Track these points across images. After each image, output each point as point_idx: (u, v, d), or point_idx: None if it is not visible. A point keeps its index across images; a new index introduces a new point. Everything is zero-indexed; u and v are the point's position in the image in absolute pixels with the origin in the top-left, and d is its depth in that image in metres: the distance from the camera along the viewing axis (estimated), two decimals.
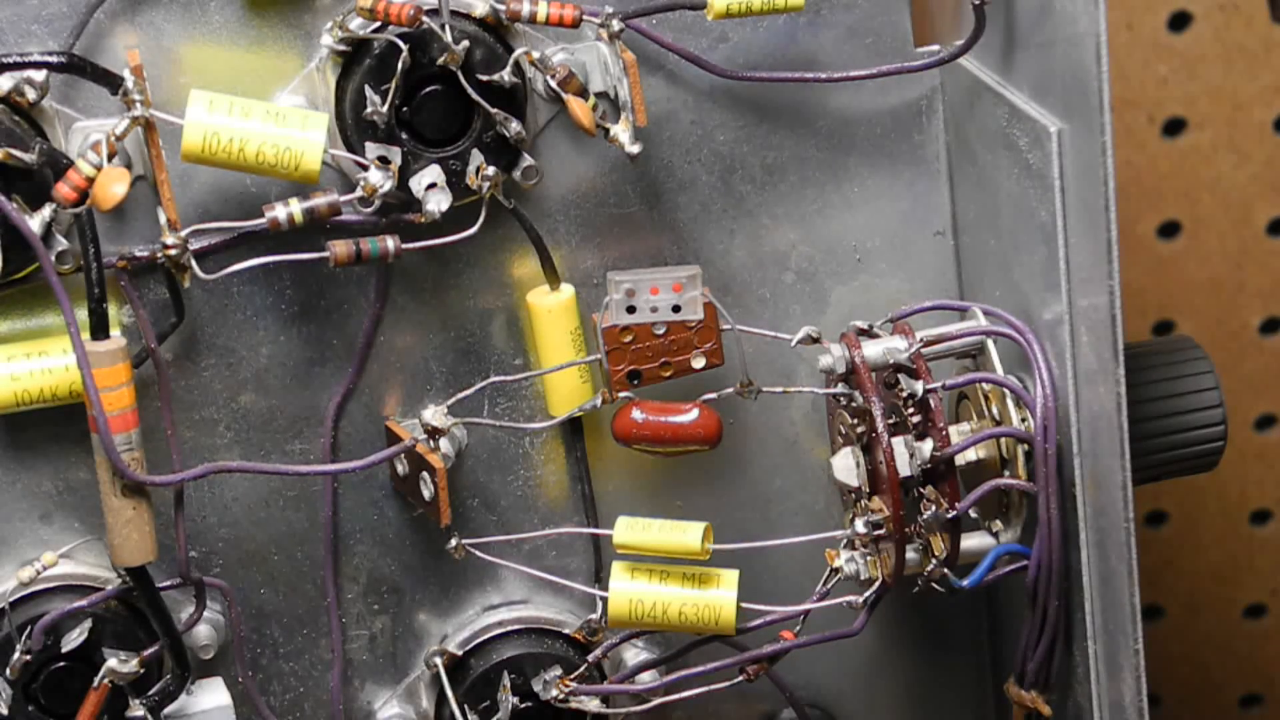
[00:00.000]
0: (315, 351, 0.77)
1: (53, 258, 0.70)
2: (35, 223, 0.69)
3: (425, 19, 0.70)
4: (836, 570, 0.75)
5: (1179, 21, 1.08)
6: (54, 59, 0.69)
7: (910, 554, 0.74)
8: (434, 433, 0.74)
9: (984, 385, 0.74)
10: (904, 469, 0.71)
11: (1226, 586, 1.20)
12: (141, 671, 0.74)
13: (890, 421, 0.72)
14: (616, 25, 0.72)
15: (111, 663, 0.74)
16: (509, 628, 0.80)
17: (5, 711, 0.74)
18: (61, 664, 0.75)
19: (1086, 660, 0.73)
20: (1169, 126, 1.10)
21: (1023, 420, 0.73)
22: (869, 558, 0.75)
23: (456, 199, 0.73)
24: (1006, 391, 0.73)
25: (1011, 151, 0.72)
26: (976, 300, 0.77)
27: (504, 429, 0.78)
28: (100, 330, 0.70)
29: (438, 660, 0.79)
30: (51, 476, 0.76)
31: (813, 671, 0.84)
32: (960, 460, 0.73)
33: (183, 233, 0.71)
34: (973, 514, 0.73)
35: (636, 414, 0.75)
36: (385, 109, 0.71)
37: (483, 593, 0.81)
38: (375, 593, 0.80)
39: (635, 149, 0.73)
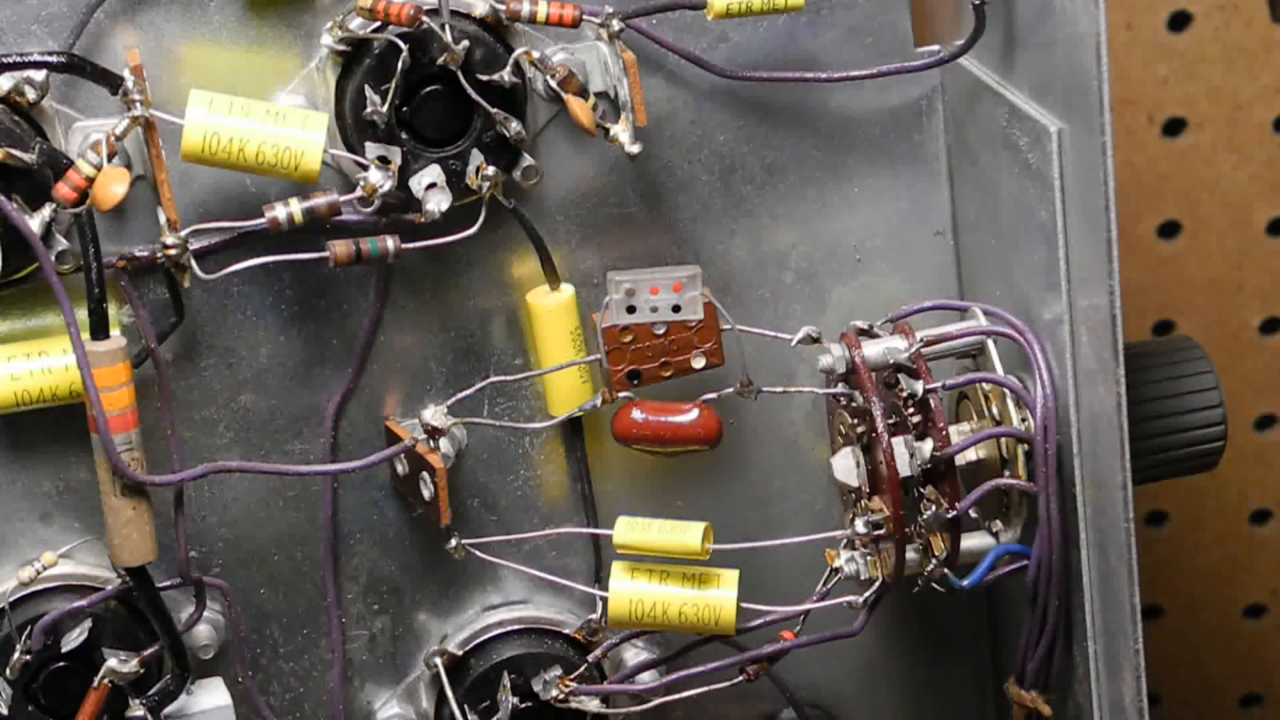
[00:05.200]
0: (315, 351, 0.77)
1: (53, 258, 0.70)
2: (35, 223, 0.69)
3: (425, 19, 0.70)
4: (836, 570, 0.75)
5: (1179, 21, 1.08)
6: (54, 59, 0.69)
7: (910, 554, 0.74)
8: (434, 433, 0.74)
9: (984, 385, 0.74)
10: (904, 469, 0.71)
11: (1226, 586, 1.20)
12: (141, 671, 0.74)
13: (890, 421, 0.72)
14: (616, 25, 0.72)
15: (111, 663, 0.74)
16: (509, 628, 0.80)
17: (5, 711, 0.74)
18: (61, 664, 0.75)
19: (1086, 660, 0.73)
20: (1169, 126, 1.10)
21: (1023, 420, 0.73)
22: (869, 558, 0.75)
23: (456, 199, 0.73)
24: (1006, 391, 0.73)
25: (1011, 151, 0.72)
26: (976, 300, 0.77)
27: (504, 429, 0.78)
28: (100, 330, 0.70)
29: (438, 660, 0.79)
30: (51, 476, 0.76)
31: (813, 671, 0.84)
32: (960, 460, 0.73)
33: (183, 233, 0.71)
34: (973, 514, 0.73)
35: (636, 414, 0.75)
36: (385, 109, 0.71)
37: (483, 593, 0.81)
38: (375, 593, 0.80)
39: (635, 149, 0.73)
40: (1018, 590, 0.75)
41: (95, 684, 0.74)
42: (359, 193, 0.71)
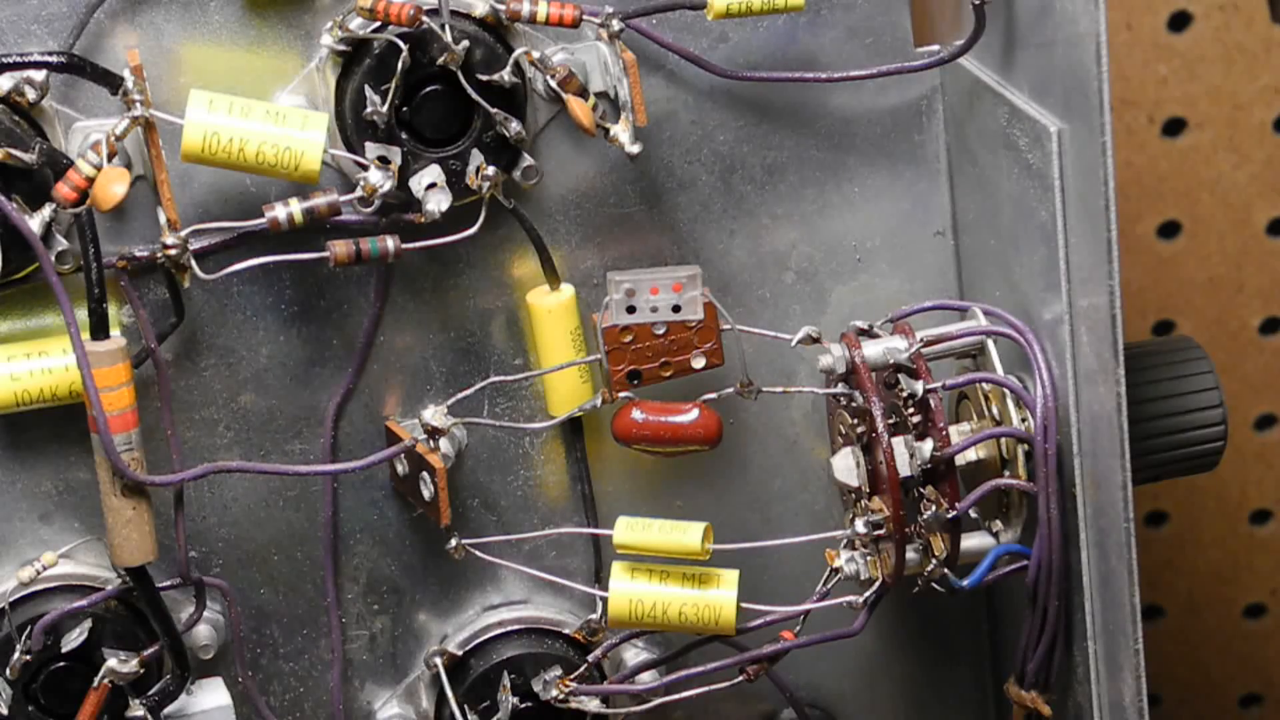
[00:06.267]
0: (315, 351, 0.77)
1: (53, 258, 0.70)
2: (35, 223, 0.69)
3: (425, 19, 0.70)
4: (836, 570, 0.75)
5: (1179, 21, 1.08)
6: (54, 59, 0.69)
7: (910, 554, 0.74)
8: (434, 433, 0.74)
9: (984, 385, 0.74)
10: (904, 469, 0.71)
11: (1226, 586, 1.20)
12: (141, 671, 0.74)
13: (890, 421, 0.72)
14: (616, 25, 0.72)
15: (111, 663, 0.74)
16: (509, 628, 0.80)
17: (5, 711, 0.74)
18: (61, 664, 0.75)
19: (1086, 660, 0.73)
20: (1169, 126, 1.10)
21: (1023, 420, 0.73)
22: (869, 558, 0.75)
23: (456, 199, 0.73)
24: (1006, 391, 0.73)
25: (1011, 151, 0.72)
26: (976, 300, 0.77)
27: (504, 429, 0.78)
28: (100, 330, 0.70)
29: (438, 660, 0.79)
30: (51, 476, 0.76)
31: (813, 671, 0.84)
32: (960, 460, 0.73)
33: (183, 233, 0.71)
34: (973, 514, 0.73)
35: (636, 414, 0.75)
36: (385, 109, 0.71)
37: (483, 593, 0.81)
38: (375, 593, 0.80)
39: (635, 149, 0.73)
40: (1018, 590, 0.75)
41: (95, 684, 0.74)
42: (359, 193, 0.71)
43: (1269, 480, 1.18)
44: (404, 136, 0.72)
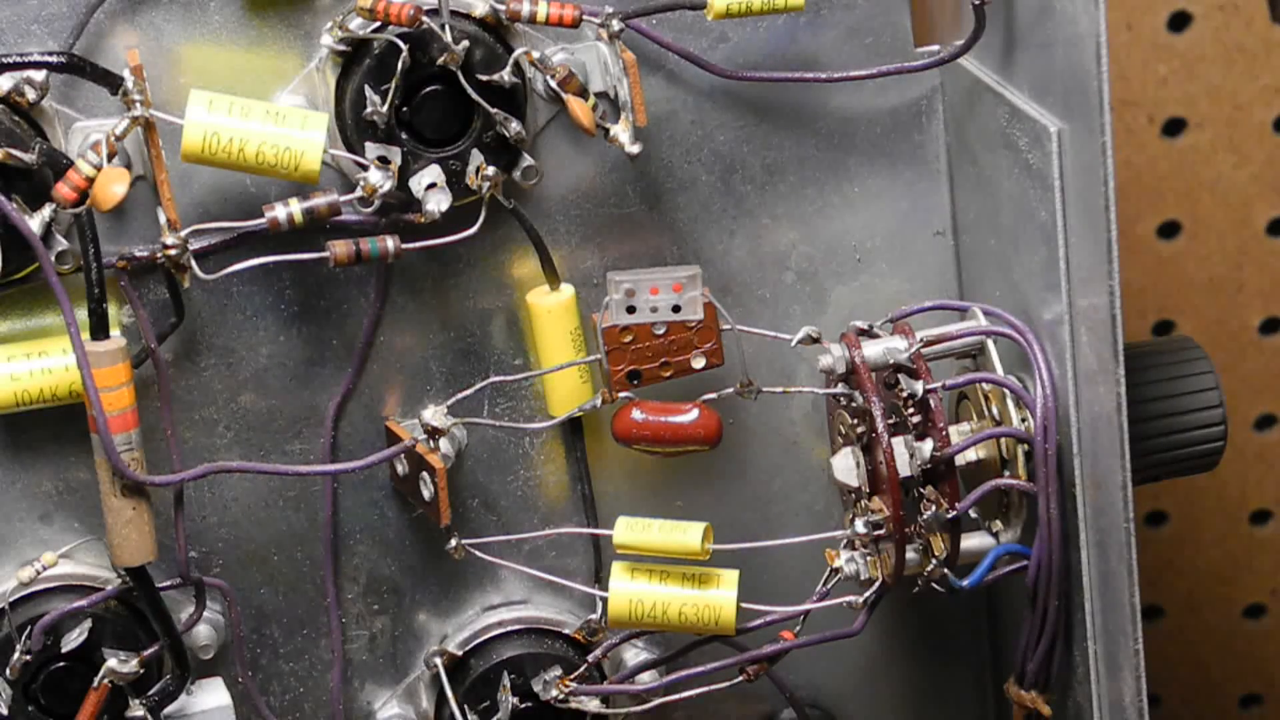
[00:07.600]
0: (315, 351, 0.77)
1: (53, 258, 0.70)
2: (35, 223, 0.69)
3: (425, 19, 0.70)
4: (836, 570, 0.75)
5: (1179, 21, 1.08)
6: (54, 59, 0.69)
7: (910, 554, 0.74)
8: (434, 433, 0.74)
9: (984, 385, 0.74)
10: (904, 469, 0.71)
11: (1226, 586, 1.20)
12: (141, 671, 0.74)
13: (890, 421, 0.72)
14: (616, 25, 0.72)
15: (111, 663, 0.74)
16: (509, 628, 0.80)
17: (5, 711, 0.74)
18: (61, 664, 0.75)
19: (1086, 660, 0.73)
20: (1169, 126, 1.10)
21: (1023, 420, 0.73)
22: (869, 558, 0.75)
23: (456, 199, 0.73)
24: (1006, 391, 0.73)
25: (1011, 151, 0.72)
26: (976, 300, 0.77)
27: (504, 429, 0.78)
28: (100, 330, 0.70)
29: (438, 660, 0.79)
30: (51, 476, 0.76)
31: (813, 671, 0.84)
32: (960, 460, 0.74)
33: (183, 233, 0.71)
34: (973, 514, 0.73)
35: (636, 414, 0.75)
36: (385, 109, 0.71)
37: (483, 593, 0.81)
38: (375, 593, 0.80)
39: (635, 149, 0.73)
40: (1018, 590, 0.75)
41: (95, 684, 0.74)
42: (359, 193, 0.71)
43: (1269, 480, 1.18)
44: (404, 136, 0.72)
